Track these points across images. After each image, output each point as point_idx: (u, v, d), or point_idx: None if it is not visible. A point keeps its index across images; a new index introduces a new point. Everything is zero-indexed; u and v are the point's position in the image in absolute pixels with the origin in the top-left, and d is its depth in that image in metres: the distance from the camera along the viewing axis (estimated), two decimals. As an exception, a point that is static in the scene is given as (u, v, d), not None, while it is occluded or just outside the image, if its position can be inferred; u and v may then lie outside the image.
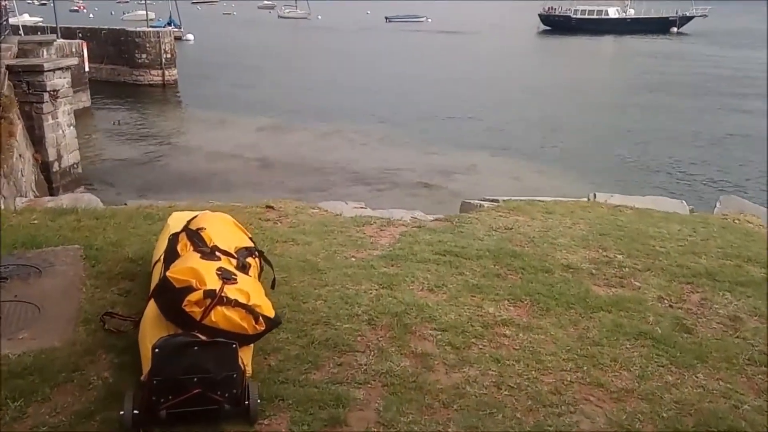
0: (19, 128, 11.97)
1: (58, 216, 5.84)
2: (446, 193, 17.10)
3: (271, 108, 27.62)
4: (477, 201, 9.56)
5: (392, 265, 4.65)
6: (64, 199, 7.76)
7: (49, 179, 13.40)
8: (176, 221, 3.71)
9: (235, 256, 2.96)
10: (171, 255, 3.07)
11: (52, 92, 13.03)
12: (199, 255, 2.84)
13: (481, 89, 31.20)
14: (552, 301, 4.11)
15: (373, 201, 16.63)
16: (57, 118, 13.43)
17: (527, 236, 5.73)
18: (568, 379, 3.20)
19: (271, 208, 6.74)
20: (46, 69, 12.92)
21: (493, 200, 9.48)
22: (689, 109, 28.22)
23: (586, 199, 8.23)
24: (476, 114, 26.61)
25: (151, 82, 33.65)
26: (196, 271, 2.66)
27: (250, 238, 3.45)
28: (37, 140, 13.06)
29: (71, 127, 13.95)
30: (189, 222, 3.31)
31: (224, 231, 3.26)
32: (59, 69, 13.31)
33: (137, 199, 16.06)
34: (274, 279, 3.47)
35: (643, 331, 3.77)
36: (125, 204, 7.57)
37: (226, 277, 2.68)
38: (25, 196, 10.23)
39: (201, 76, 35.51)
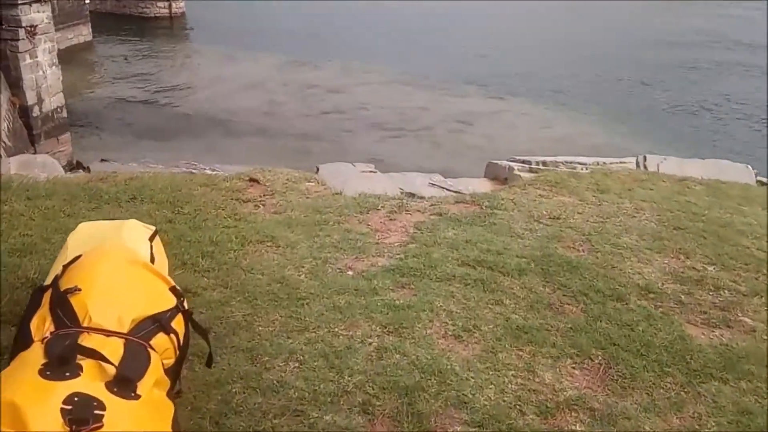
0: (-11, 69, 10.62)
1: (-19, 195, 4.58)
2: (469, 143, 15.59)
3: (284, 44, 25.73)
4: (505, 162, 8.19)
5: (402, 287, 3.35)
6: (12, 164, 6.50)
7: (29, 125, 12.11)
8: (78, 243, 2.44)
9: (121, 351, 1.67)
10: (22, 337, 1.79)
11: (28, 28, 11.54)
12: (42, 362, 1.55)
13: (508, 31, 28.75)
14: (636, 359, 2.80)
15: (387, 153, 15.21)
16: (36, 57, 11.98)
17: (581, 232, 4.39)
18: None
19: (256, 181, 5.42)
20: (20, 2, 11.40)
21: (524, 162, 8.13)
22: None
23: (634, 164, 6.91)
24: (502, 57, 24.50)
25: (157, 15, 31.71)
26: (18, 411, 1.38)
27: (173, 288, 2.14)
28: (13, 82, 11.69)
29: (54, 67, 12.52)
30: (64, 271, 2.01)
31: (119, 287, 1.95)
32: (36, 2, 11.78)
33: (125, 148, 14.84)
34: (210, 355, 2.20)
35: (782, 423, 2.47)
36: (85, 168, 6.36)
37: (78, 417, 1.40)
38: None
39: (211, 8, 33.35)
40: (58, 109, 12.74)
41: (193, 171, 6.81)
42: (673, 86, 21.05)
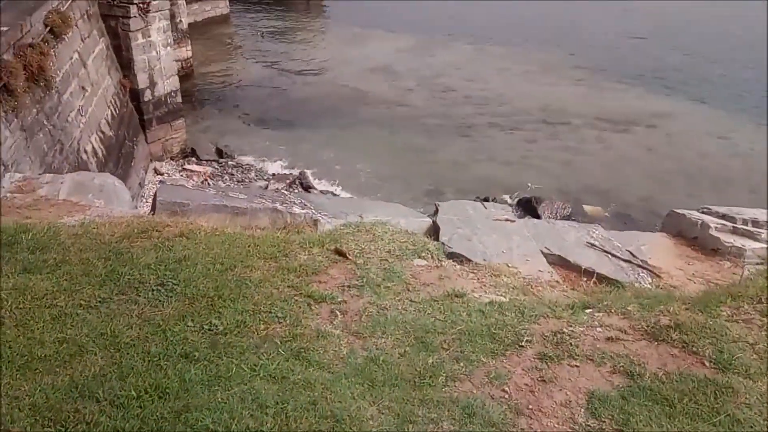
0: (98, 49, 9.82)
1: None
2: (626, 152, 12.94)
3: (419, 22, 23.85)
4: (696, 215, 6.00)
5: None
6: (64, 186, 5.33)
7: (140, 110, 11.33)
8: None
9: None
10: None
11: (140, 4, 10.67)
12: None
13: (688, 27, 24.29)
14: None
15: (521, 158, 12.97)
16: (149, 37, 11.09)
17: None
18: None
19: (343, 255, 3.75)
20: (133, -26, 10.53)
21: (723, 216, 5.94)
22: None
23: None
24: (667, 47, 20.88)
25: (296, -13, 30.98)
26: None
27: None
28: (125, 64, 10.90)
29: (168, 48, 11.60)
30: None
31: None
32: (151, -26, 10.89)
33: (244, 135, 13.90)
34: None
35: None
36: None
37: None
38: (80, 148, 8.10)
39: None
40: (172, 93, 11.85)
41: (278, 209, 5.32)
42: None
